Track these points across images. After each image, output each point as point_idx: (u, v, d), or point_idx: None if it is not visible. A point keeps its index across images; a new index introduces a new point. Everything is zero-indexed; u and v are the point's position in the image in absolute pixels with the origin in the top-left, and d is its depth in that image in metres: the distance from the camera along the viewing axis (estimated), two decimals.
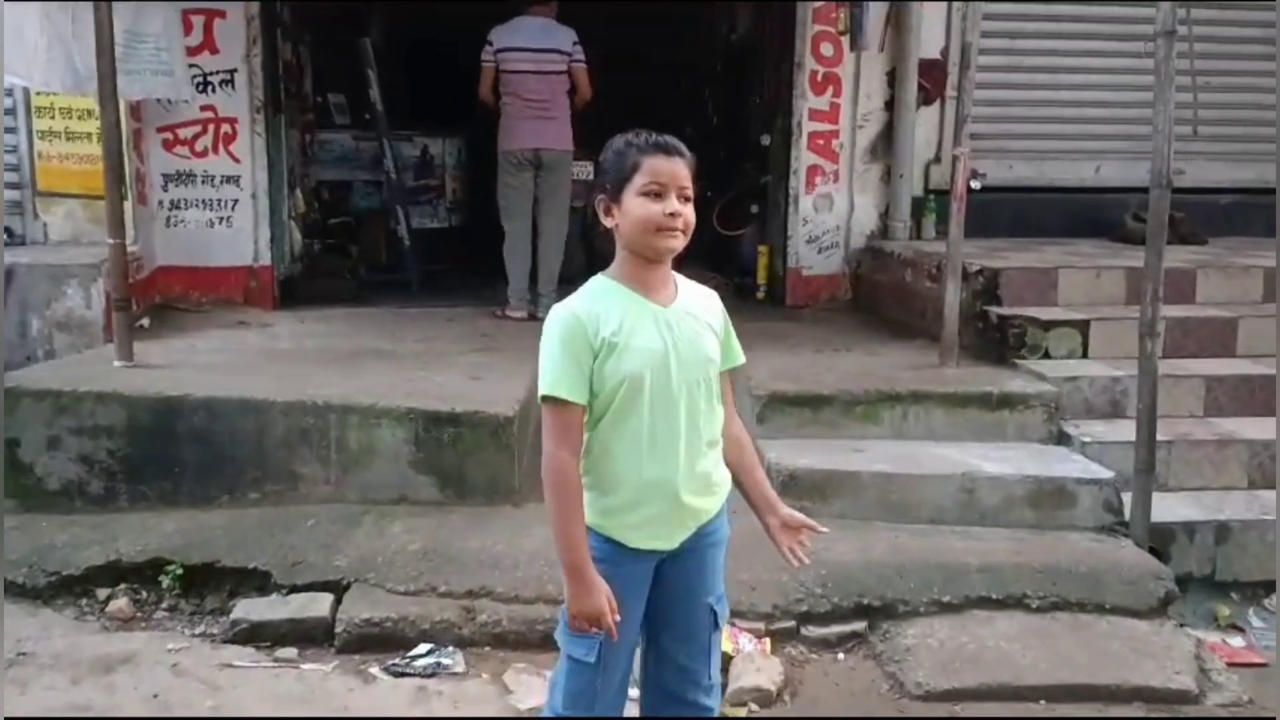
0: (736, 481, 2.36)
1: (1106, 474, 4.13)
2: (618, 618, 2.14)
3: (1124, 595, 3.66)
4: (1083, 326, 4.95)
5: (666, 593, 2.29)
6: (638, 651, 2.37)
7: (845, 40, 6.33)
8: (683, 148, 2.18)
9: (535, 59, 6.05)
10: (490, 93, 6.14)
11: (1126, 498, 4.06)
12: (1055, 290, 5.23)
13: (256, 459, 4.10)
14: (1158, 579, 3.73)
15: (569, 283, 7.31)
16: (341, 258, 7.51)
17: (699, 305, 2.28)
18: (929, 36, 6.44)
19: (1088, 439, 4.39)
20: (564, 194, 6.31)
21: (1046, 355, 4.92)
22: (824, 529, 2.41)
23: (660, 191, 2.12)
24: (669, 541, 2.24)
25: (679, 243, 2.15)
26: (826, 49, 6.42)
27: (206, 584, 3.80)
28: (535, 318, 5.91)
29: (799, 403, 4.49)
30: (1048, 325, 4.95)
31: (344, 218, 7.79)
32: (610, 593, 2.14)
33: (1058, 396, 4.55)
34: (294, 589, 3.67)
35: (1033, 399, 4.53)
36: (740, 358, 2.36)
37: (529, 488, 4.17)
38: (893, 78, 6.49)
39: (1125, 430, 4.36)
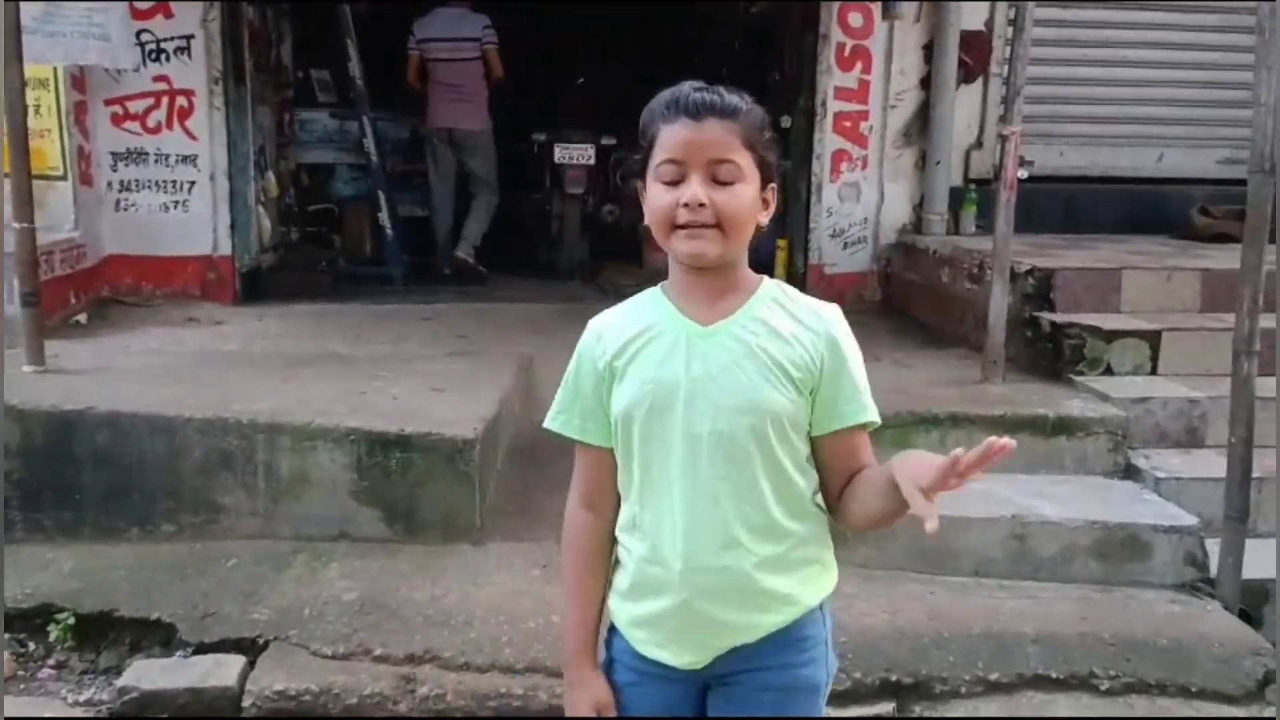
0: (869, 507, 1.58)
1: (1189, 519, 3.44)
2: None
3: (1214, 676, 2.99)
4: (1152, 338, 4.27)
5: None
6: None
7: (877, 9, 5.65)
8: (721, 102, 1.53)
9: (450, 47, 6.73)
10: (417, 79, 6.83)
11: (1211, 547, 3.39)
12: (1118, 295, 4.56)
13: (170, 486, 3.48)
14: (1255, 655, 3.05)
15: (569, 278, 6.98)
16: (321, 248, 6.91)
17: (772, 330, 1.57)
18: (971, 6, 5.77)
19: (1162, 474, 3.72)
20: (484, 168, 6.95)
21: (1109, 371, 4.25)
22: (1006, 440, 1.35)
23: (679, 173, 1.53)
24: (678, 656, 1.63)
25: (706, 246, 1.53)
26: (855, 19, 5.76)
27: (104, 636, 3.20)
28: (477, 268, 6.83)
29: None
30: (1110, 336, 4.27)
31: (325, 204, 7.17)
32: (605, 699, 1.66)
33: (1125, 421, 3.88)
34: (201, 648, 3.05)
35: (1095, 424, 3.85)
36: (855, 417, 1.58)
37: (492, 524, 3.57)
38: (929, 52, 5.82)
39: (1205, 463, 3.76)
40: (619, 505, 1.68)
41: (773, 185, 1.59)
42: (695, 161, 1.51)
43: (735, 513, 1.56)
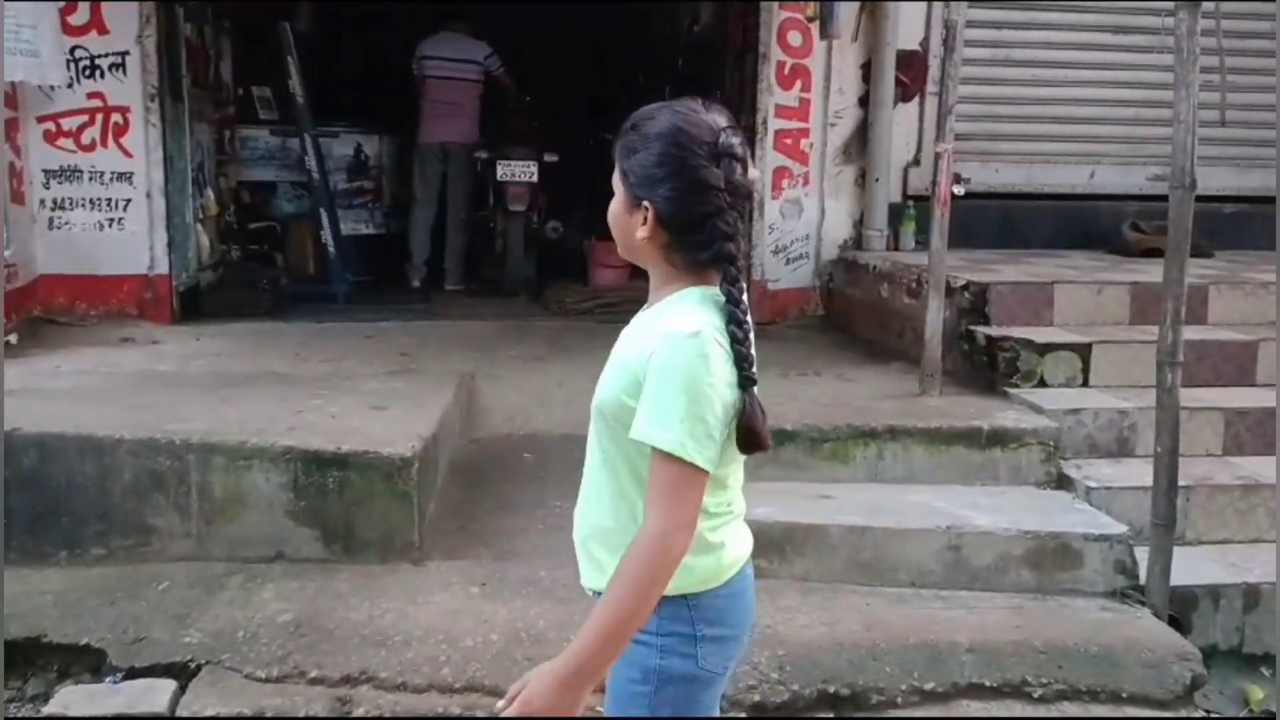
0: None
1: (1118, 528, 3.50)
2: None
3: (1144, 681, 3.04)
4: (1083, 350, 4.35)
5: None
6: None
7: (815, 29, 5.72)
8: (625, 125, 1.72)
9: (450, 67, 7.10)
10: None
11: (1141, 554, 3.45)
12: (1051, 309, 4.64)
13: (100, 509, 3.41)
14: (1183, 660, 3.10)
15: (514, 295, 6.95)
16: (263, 266, 6.81)
17: (637, 335, 1.68)
18: (907, 26, 5.86)
19: (1093, 483, 3.78)
20: (466, 181, 7.26)
21: (1042, 383, 4.32)
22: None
23: None
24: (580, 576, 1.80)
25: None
26: (794, 38, 5.82)
27: (31, 662, 3.13)
28: (469, 289, 7.18)
29: None
30: (1044, 348, 4.34)
31: (267, 222, 7.08)
32: None
33: (1057, 432, 3.94)
34: (132, 673, 2.99)
35: (1028, 435, 3.91)
36: (640, 432, 1.57)
37: (432, 543, 3.55)
38: (868, 71, 5.90)
39: (1135, 472, 3.83)
40: None
41: (644, 202, 1.64)
42: None
43: (590, 482, 1.78)
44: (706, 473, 1.57)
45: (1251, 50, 5.87)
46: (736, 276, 1.65)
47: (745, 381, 1.62)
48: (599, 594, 1.67)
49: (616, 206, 1.71)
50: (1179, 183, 3.30)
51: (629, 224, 1.68)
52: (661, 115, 1.66)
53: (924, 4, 5.81)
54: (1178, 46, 3.24)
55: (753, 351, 1.64)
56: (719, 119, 1.66)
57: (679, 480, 1.55)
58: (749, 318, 1.67)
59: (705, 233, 1.62)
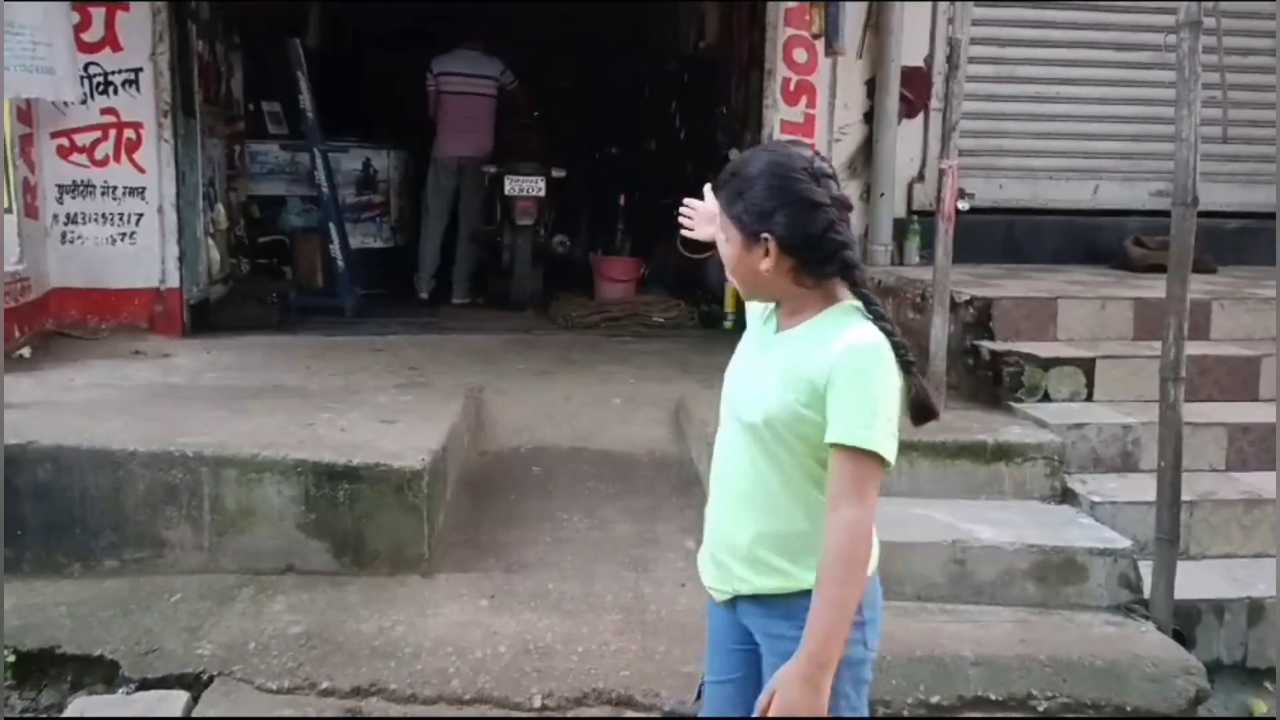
0: None
1: (1123, 543, 3.52)
2: None
3: (1148, 695, 3.05)
4: (1087, 365, 4.37)
5: None
6: None
7: (820, 45, 5.76)
8: (719, 176, 1.90)
9: (466, 83, 7.23)
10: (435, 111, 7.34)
11: (1145, 568, 3.46)
12: (1055, 324, 4.65)
13: (114, 521, 3.44)
14: (1187, 674, 3.12)
15: (521, 309, 6.98)
16: (272, 279, 6.87)
17: (804, 349, 1.81)
18: (911, 42, 5.90)
19: (1097, 498, 3.80)
20: (478, 194, 7.34)
21: (1046, 398, 4.33)
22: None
23: None
24: (710, 580, 1.99)
25: (736, 286, 1.93)
26: (800, 55, 5.87)
27: (45, 673, 3.16)
28: (476, 303, 7.29)
29: None
30: (1048, 363, 4.36)
31: (276, 235, 7.14)
32: None
33: (1062, 447, 3.96)
34: (144, 684, 3.03)
35: (1033, 450, 3.93)
36: (838, 435, 1.73)
37: (441, 555, 3.58)
38: (872, 87, 5.94)
39: (1139, 487, 3.82)
40: None
41: (763, 235, 1.79)
42: None
43: (736, 488, 1.94)
44: (890, 466, 1.75)
45: (1253, 67, 5.92)
46: (864, 279, 1.84)
47: (907, 366, 1.79)
48: (758, 597, 1.88)
49: (732, 251, 1.85)
50: (1181, 199, 3.33)
51: (749, 261, 1.83)
52: (757, 156, 1.85)
53: (928, 22, 5.86)
54: (1179, 66, 3.27)
55: (903, 339, 1.80)
56: (805, 149, 1.86)
57: (869, 474, 1.74)
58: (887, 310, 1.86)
59: (825, 247, 1.80)
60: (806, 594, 1.77)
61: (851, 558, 1.73)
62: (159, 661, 3.06)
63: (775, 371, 1.83)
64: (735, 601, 1.93)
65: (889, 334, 1.77)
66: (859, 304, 1.82)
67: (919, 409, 1.84)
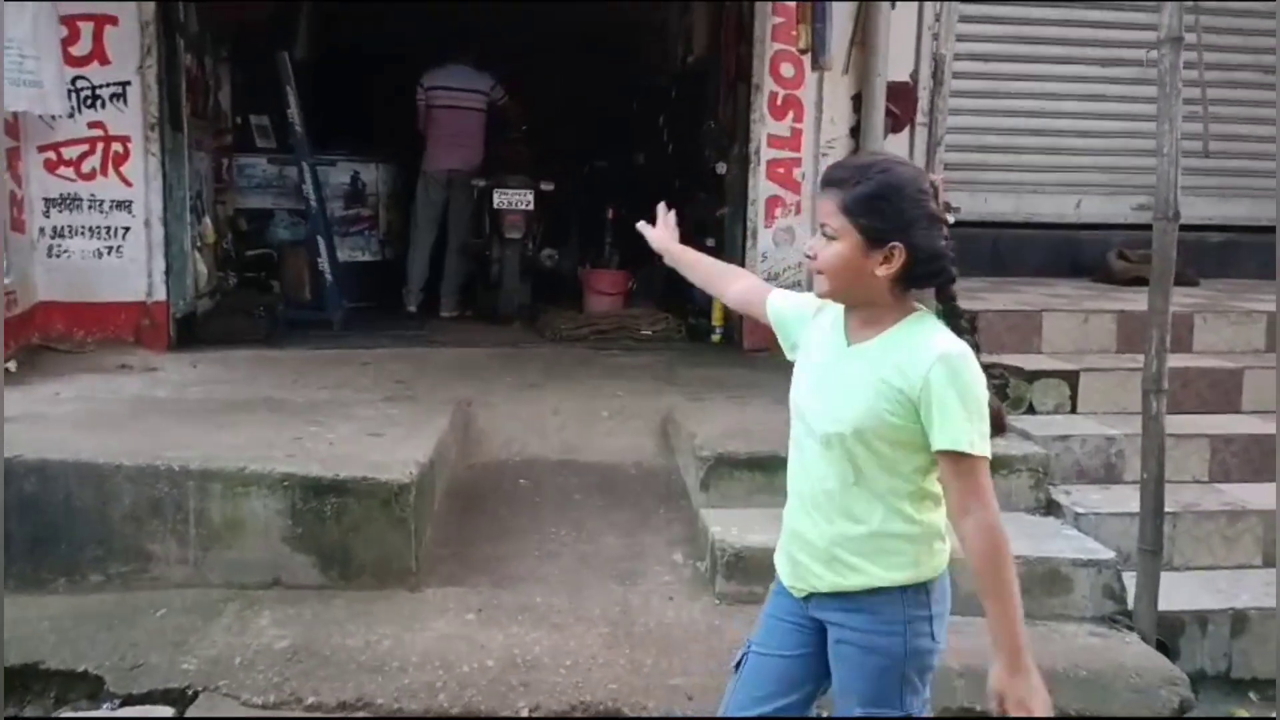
0: None
1: (1107, 554, 3.55)
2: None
3: (1133, 706, 3.08)
4: (1071, 377, 4.41)
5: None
6: None
7: (806, 60, 5.79)
8: (838, 174, 1.97)
9: (456, 97, 7.24)
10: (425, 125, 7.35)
11: (1129, 579, 3.49)
12: (1039, 336, 4.70)
13: (99, 535, 3.44)
14: (1171, 685, 3.15)
15: (509, 322, 6.99)
16: (260, 293, 6.86)
17: (892, 359, 1.91)
18: (897, 58, 5.91)
19: (1081, 509, 3.83)
20: (467, 207, 7.33)
21: (1031, 410, 4.37)
22: None
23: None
24: (787, 578, 2.11)
25: (822, 285, 1.98)
26: (787, 69, 5.90)
27: (29, 688, 3.15)
28: (465, 316, 7.26)
29: (750, 465, 3.87)
30: (1032, 376, 4.41)
31: (264, 249, 7.13)
32: None
33: (1046, 459, 3.99)
34: (129, 699, 3.02)
35: (1018, 462, 3.95)
36: (946, 442, 1.86)
37: (429, 569, 3.57)
38: (859, 102, 5.95)
39: (1123, 498, 3.86)
40: None
41: (894, 245, 1.87)
42: (821, 220, 1.95)
43: (819, 496, 2.04)
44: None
45: (1233, 82, 5.99)
46: (956, 292, 1.98)
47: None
48: (836, 594, 1.99)
49: (844, 250, 1.91)
50: (1163, 213, 3.37)
51: (863, 264, 1.90)
52: (893, 168, 1.94)
53: (913, 38, 5.90)
54: (1161, 81, 3.32)
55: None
56: (917, 168, 2.05)
57: (982, 473, 1.87)
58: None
59: (941, 259, 1.93)
60: (885, 590, 1.94)
61: (1000, 556, 1.86)
62: (144, 677, 3.05)
63: (860, 382, 1.92)
64: (810, 597, 2.06)
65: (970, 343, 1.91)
66: (930, 314, 1.95)
67: (994, 420, 1.93)
